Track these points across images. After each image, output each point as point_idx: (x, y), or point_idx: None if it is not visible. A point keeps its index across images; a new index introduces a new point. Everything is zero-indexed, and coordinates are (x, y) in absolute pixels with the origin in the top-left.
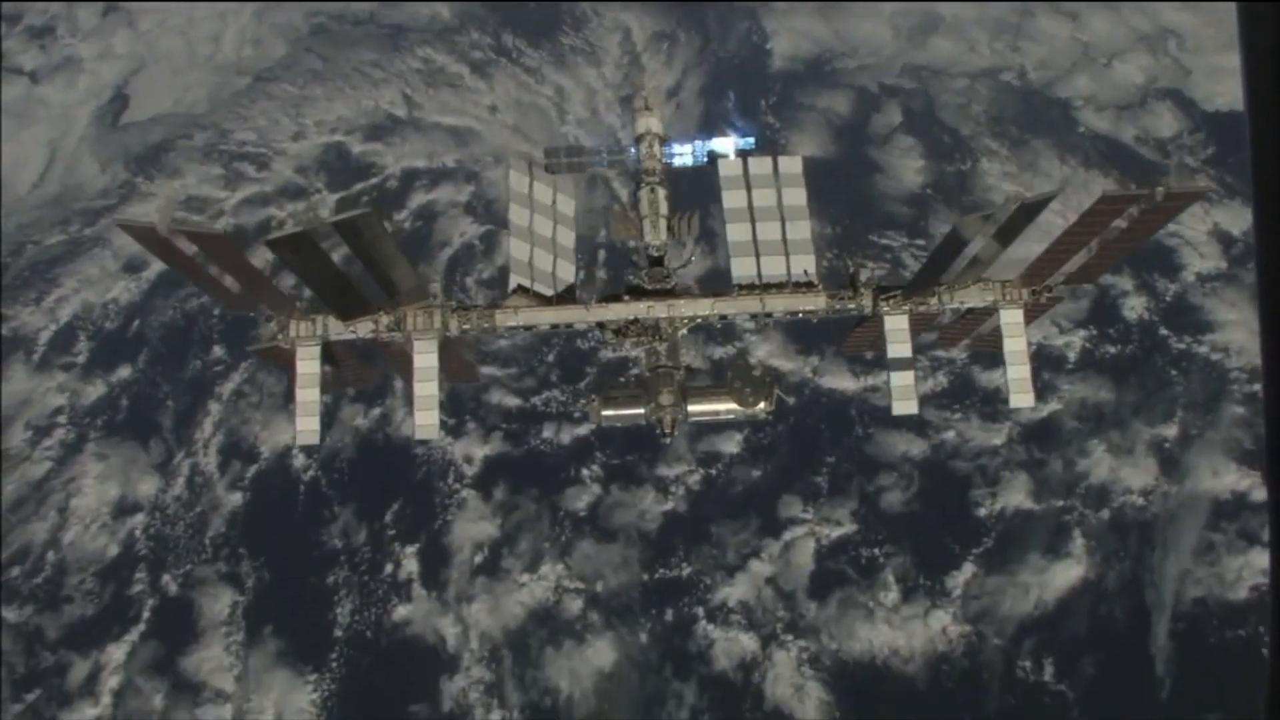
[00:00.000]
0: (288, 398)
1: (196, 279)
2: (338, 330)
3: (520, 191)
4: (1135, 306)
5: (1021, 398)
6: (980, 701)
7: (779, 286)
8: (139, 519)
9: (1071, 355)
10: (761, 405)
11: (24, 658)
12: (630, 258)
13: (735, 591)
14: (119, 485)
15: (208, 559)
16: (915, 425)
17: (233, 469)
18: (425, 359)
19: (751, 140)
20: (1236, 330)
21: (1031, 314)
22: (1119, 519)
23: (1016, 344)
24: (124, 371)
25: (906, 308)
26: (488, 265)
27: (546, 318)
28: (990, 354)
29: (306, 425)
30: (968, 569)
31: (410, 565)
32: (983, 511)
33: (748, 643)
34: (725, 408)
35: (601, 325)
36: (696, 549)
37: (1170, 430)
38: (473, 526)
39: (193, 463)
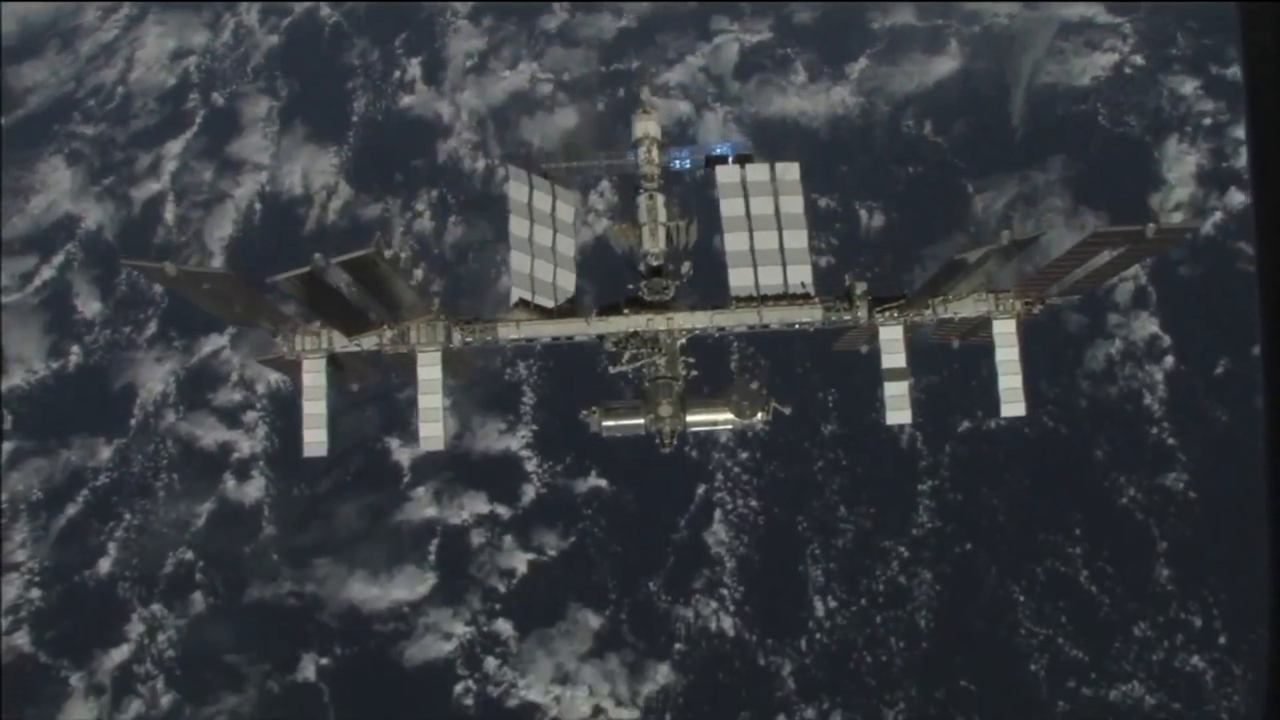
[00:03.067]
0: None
1: (203, 303)
2: (342, 343)
3: (520, 201)
4: None
5: (1013, 407)
6: (870, 147)
7: (776, 298)
8: (192, 60)
9: None
10: (758, 416)
11: (100, 158)
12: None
13: (674, 75)
14: (175, 40)
15: (249, 80)
16: None
17: (270, 21)
18: (429, 371)
19: (748, 144)
20: None
21: (1023, 322)
22: (989, 31)
23: (1009, 354)
24: None
25: (902, 319)
26: None
27: (548, 330)
28: None
29: (314, 437)
30: (862, 61)
31: (414, 70)
32: (875, 25)
33: (684, 108)
34: (723, 418)
35: (602, 337)
36: (643, 49)
37: None
38: (465, 43)
39: (237, 20)
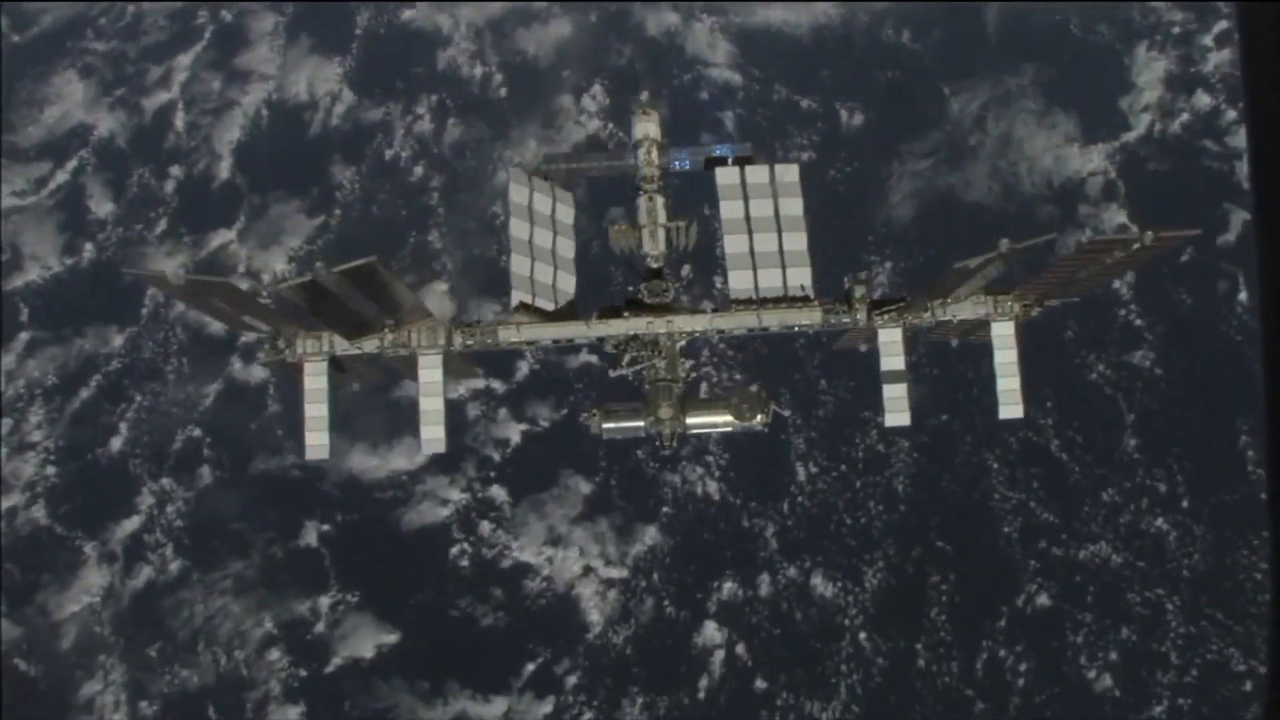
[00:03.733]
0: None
1: (205, 308)
2: (344, 346)
3: (520, 204)
4: None
5: (1011, 409)
6: (850, 53)
7: (775, 300)
8: None
9: None
10: (758, 419)
11: (112, 71)
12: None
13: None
14: None
15: None
16: None
17: None
18: (430, 374)
19: (747, 146)
20: None
21: (1021, 324)
22: None
23: (1007, 356)
24: None
25: (901, 322)
26: None
27: (548, 333)
28: None
29: (316, 440)
30: None
31: None
32: None
33: (671, 18)
34: (723, 420)
35: (601, 340)
36: None
37: None
38: None
39: None
